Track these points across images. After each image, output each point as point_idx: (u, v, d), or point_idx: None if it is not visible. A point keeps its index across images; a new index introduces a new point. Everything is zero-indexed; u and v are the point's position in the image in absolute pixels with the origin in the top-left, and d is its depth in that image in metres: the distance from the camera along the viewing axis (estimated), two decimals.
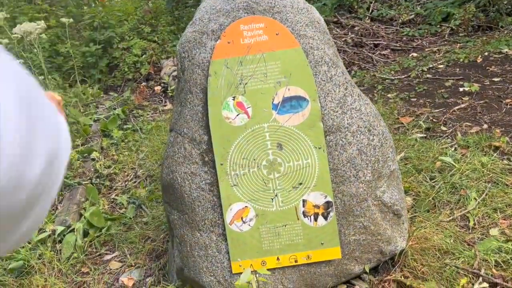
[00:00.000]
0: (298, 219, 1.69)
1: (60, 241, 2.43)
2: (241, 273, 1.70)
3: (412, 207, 2.35)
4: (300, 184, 1.67)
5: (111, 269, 2.35)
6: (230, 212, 1.69)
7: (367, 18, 7.01)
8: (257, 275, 1.66)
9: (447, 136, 3.15)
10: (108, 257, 2.45)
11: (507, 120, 3.30)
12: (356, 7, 7.29)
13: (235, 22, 1.66)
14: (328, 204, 1.68)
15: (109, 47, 5.45)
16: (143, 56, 5.54)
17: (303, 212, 1.69)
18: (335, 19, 6.86)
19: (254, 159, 1.67)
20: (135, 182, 3.22)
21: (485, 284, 1.77)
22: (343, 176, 1.69)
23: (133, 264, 2.35)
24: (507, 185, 2.42)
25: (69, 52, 5.13)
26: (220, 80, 1.65)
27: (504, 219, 2.17)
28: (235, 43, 1.65)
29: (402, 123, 3.48)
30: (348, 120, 1.69)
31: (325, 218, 1.69)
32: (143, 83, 5.42)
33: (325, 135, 1.67)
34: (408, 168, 2.73)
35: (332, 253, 1.71)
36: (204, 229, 1.74)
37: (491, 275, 1.82)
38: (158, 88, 5.23)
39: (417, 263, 1.89)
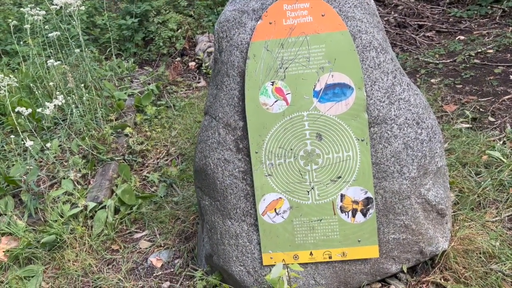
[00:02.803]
0: (334, 214, 1.60)
1: (91, 217, 2.44)
2: (272, 265, 1.64)
3: (455, 204, 2.21)
4: (339, 177, 1.57)
5: (140, 248, 2.34)
6: (263, 203, 1.62)
7: None
8: (288, 269, 1.59)
9: (495, 128, 2.95)
10: (138, 235, 2.45)
11: None
12: None
13: (278, 1, 1.55)
14: (368, 200, 1.58)
15: (145, 21, 5.41)
16: (179, 31, 5.47)
17: (341, 207, 1.59)
18: None
19: (291, 149, 1.58)
20: (167, 160, 3.20)
21: None
22: (386, 171, 1.58)
23: (162, 245, 2.33)
24: None
25: (106, 25, 5.11)
26: (259, 63, 1.55)
27: None
28: (277, 24, 1.54)
29: (446, 112, 3.29)
30: (395, 111, 1.56)
31: (364, 215, 1.59)
32: (178, 58, 5.37)
33: (369, 126, 1.56)
34: (451, 161, 2.57)
35: (370, 252, 1.62)
36: (235, 217, 1.68)
37: None
38: (192, 64, 5.17)
39: (459, 266, 1.77)
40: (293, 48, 1.54)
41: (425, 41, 5.37)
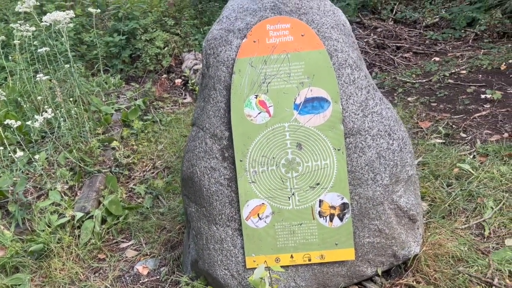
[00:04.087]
0: (313, 218, 1.71)
1: (78, 227, 2.50)
2: (254, 268, 1.73)
3: (428, 212, 2.34)
4: (318, 184, 1.69)
5: (127, 257, 2.41)
6: (247, 208, 1.72)
7: (390, 19, 6.95)
8: (270, 271, 1.69)
9: (466, 143, 3.13)
10: (124, 245, 2.51)
11: None
12: (379, 8, 7.22)
13: (261, 21, 1.68)
14: (344, 206, 1.70)
15: (132, 38, 5.52)
16: (165, 49, 5.60)
17: (319, 212, 1.71)
18: (358, 20, 6.81)
19: (273, 158, 1.69)
20: (153, 172, 3.28)
21: None
22: (361, 178, 1.71)
23: (148, 253, 2.40)
24: None
25: (93, 41, 5.21)
26: (244, 78, 1.67)
27: None
28: (261, 42, 1.67)
29: (421, 128, 3.47)
30: (368, 123, 1.70)
31: (341, 219, 1.70)
32: (164, 75, 5.48)
33: (345, 137, 1.68)
34: (425, 173, 2.72)
35: (346, 254, 1.72)
36: (220, 223, 1.78)
37: (505, 285, 1.82)
38: (178, 81, 5.29)
39: (429, 269, 1.89)
40: (275, 64, 1.67)
41: (403, 62, 5.61)
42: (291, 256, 1.73)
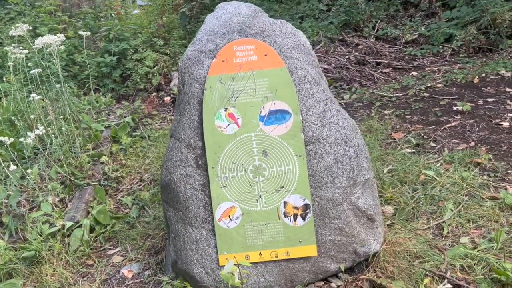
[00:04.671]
0: (279, 218, 1.89)
1: (68, 235, 2.66)
2: None
3: (393, 215, 2.53)
4: (282, 187, 1.88)
5: (113, 262, 2.57)
6: (219, 211, 1.91)
7: (372, 37, 7.22)
8: (240, 267, 1.86)
9: (434, 152, 3.34)
10: (111, 251, 2.67)
11: (493, 139, 3.47)
12: (362, 26, 7.51)
13: (229, 43, 1.89)
14: (306, 206, 1.89)
15: (123, 58, 5.75)
16: (155, 68, 5.82)
17: (284, 212, 1.89)
18: (341, 37, 7.09)
19: (242, 164, 1.89)
20: (140, 185, 3.45)
21: (449, 285, 1.95)
22: (321, 182, 1.90)
23: (134, 259, 2.56)
24: (483, 198, 2.60)
25: (85, 62, 5.43)
26: (214, 93, 1.87)
27: (476, 229, 2.35)
28: (229, 62, 1.88)
29: (394, 139, 3.68)
30: (326, 132, 1.90)
31: (303, 218, 1.89)
32: (154, 94, 5.69)
33: (306, 144, 1.88)
34: (393, 180, 2.91)
35: (309, 251, 1.91)
36: (196, 225, 1.96)
37: (456, 278, 2.00)
38: (167, 99, 5.50)
39: (388, 264, 2.07)
40: (242, 81, 1.88)
41: (382, 77, 5.86)
42: (260, 254, 1.91)
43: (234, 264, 1.75)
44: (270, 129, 1.87)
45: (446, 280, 1.98)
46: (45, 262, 2.49)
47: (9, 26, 6.85)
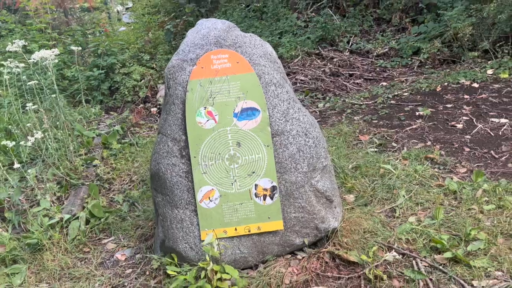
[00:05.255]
0: (251, 199, 2.25)
1: (66, 227, 2.97)
2: None
3: (353, 202, 2.90)
4: (253, 172, 2.24)
5: (107, 249, 2.88)
6: (200, 193, 2.25)
7: (346, 50, 7.70)
8: (218, 240, 2.20)
9: (395, 150, 3.74)
10: (105, 240, 2.99)
11: (447, 138, 3.90)
12: (337, 40, 7.99)
13: (207, 53, 2.27)
14: (273, 188, 2.25)
15: (111, 72, 6.09)
16: (142, 81, 6.18)
17: (255, 193, 2.25)
18: (317, 51, 7.54)
19: (219, 153, 2.24)
20: (130, 185, 3.77)
21: (395, 253, 2.32)
22: (286, 167, 2.27)
23: (126, 245, 2.88)
24: (431, 186, 2.99)
25: (74, 76, 5.76)
26: (195, 94, 2.24)
27: (423, 211, 2.73)
28: (207, 68, 2.25)
29: (360, 140, 4.08)
30: (289, 126, 2.27)
31: (272, 198, 2.25)
32: (141, 105, 6.03)
33: (272, 136, 2.25)
34: (356, 174, 3.30)
35: (277, 225, 2.26)
36: (181, 207, 2.30)
37: (401, 248, 2.37)
38: (154, 110, 5.84)
39: (346, 238, 2.43)
40: (218, 84, 2.25)
41: (355, 87, 6.30)
42: (235, 229, 2.26)
43: (215, 239, 2.09)
44: (243, 124, 2.24)
45: (393, 250, 2.35)
46: (46, 249, 2.79)
47: (1, 42, 7.17)
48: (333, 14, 8.30)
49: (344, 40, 7.96)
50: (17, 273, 2.65)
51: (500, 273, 2.10)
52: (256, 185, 2.25)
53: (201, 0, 8.41)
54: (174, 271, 2.25)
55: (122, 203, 3.43)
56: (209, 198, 2.25)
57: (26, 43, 5.04)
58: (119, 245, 2.89)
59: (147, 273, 2.53)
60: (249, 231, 2.26)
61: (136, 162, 4.14)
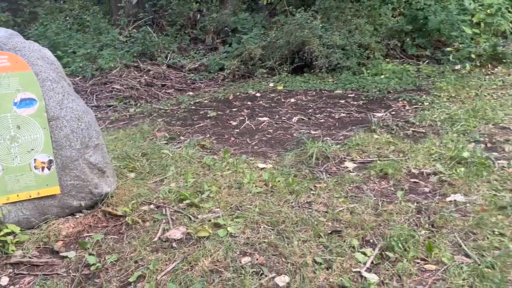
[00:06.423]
0: (31, 170, 2.82)
1: None
2: None
3: (134, 178, 3.66)
4: (32, 149, 2.83)
5: None
6: None
7: (164, 65, 8.56)
8: (2, 206, 2.72)
9: (180, 142, 4.65)
10: None
11: (222, 132, 4.99)
12: (156, 55, 8.80)
13: None
14: (50, 161, 2.87)
15: None
16: None
17: (34, 166, 2.83)
18: (136, 64, 8.24)
19: (1, 135, 2.77)
20: None
21: (152, 206, 3.13)
22: (62, 145, 2.91)
23: None
24: (195, 163, 3.93)
25: None
26: None
27: (183, 179, 3.62)
28: None
29: (156, 136, 4.90)
30: (64, 112, 2.93)
31: (49, 169, 2.86)
32: None
33: (49, 121, 2.87)
34: (142, 159, 4.07)
35: (54, 191, 2.88)
36: None
37: (158, 203, 3.20)
38: None
39: (117, 199, 3.17)
40: (2, 80, 2.78)
41: (166, 96, 7.15)
42: (17, 195, 2.80)
43: None
44: (22, 111, 2.81)
45: (152, 205, 3.17)
46: None
47: None
48: (151, 32, 9.13)
49: (162, 55, 8.83)
50: None
51: (218, 209, 3.08)
52: (35, 160, 2.84)
53: (18, 10, 8.44)
54: None
55: None
56: None
57: None
58: None
59: None
60: (30, 196, 2.83)
61: None
